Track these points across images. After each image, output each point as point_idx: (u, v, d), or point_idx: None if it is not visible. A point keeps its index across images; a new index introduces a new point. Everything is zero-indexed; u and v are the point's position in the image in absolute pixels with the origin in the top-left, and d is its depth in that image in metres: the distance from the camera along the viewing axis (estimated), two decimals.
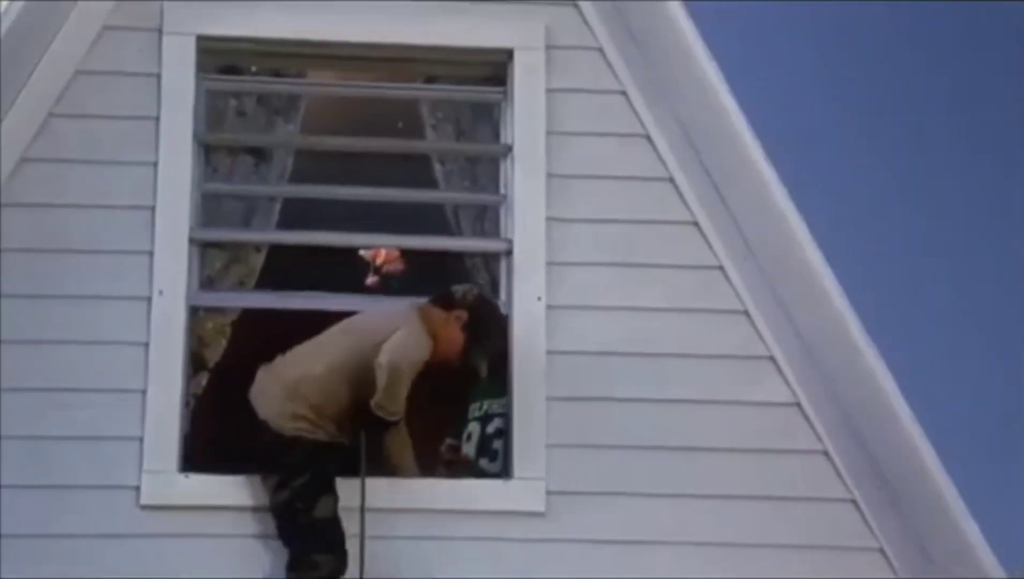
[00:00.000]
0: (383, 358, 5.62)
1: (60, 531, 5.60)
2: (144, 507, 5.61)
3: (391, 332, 5.64)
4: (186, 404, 5.90)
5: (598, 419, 5.78)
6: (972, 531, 5.54)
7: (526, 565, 5.61)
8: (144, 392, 5.69)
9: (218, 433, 6.22)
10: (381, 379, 5.59)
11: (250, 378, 6.07)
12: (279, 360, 5.82)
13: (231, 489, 5.64)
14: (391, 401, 5.60)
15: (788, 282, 5.80)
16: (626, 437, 5.75)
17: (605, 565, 5.64)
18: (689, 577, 5.56)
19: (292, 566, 5.49)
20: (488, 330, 5.76)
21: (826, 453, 5.72)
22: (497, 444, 5.98)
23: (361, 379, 5.61)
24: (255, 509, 5.59)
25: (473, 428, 6.09)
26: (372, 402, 5.61)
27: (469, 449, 6.05)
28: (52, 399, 5.69)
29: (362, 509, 5.42)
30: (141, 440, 5.65)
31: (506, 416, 5.87)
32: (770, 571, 5.60)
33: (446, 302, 5.82)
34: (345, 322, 5.89)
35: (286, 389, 5.64)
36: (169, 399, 5.72)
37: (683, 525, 5.64)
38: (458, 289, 5.87)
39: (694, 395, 5.77)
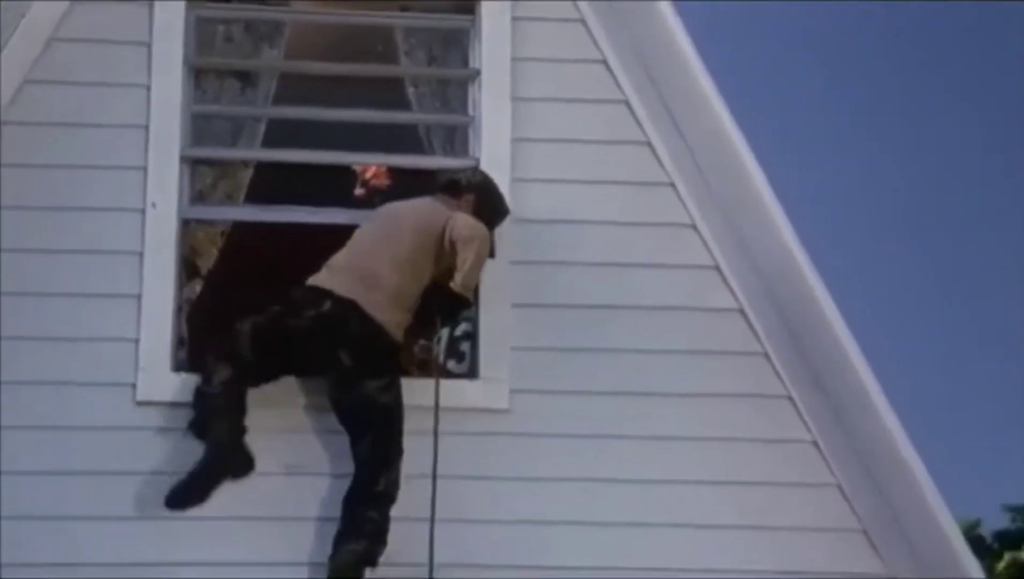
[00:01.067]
0: (466, 235, 5.67)
1: (60, 424, 5.78)
2: (139, 403, 5.79)
3: (447, 220, 5.72)
4: (179, 309, 6.08)
5: (558, 324, 5.99)
6: (889, 416, 5.85)
7: (490, 458, 5.84)
8: (139, 297, 5.86)
9: (211, 335, 6.47)
10: (467, 259, 5.64)
11: (241, 285, 6.24)
12: (359, 258, 5.77)
13: None
14: (473, 278, 5.68)
15: (733, 197, 6.01)
16: (584, 340, 5.97)
17: (564, 458, 5.86)
18: (638, 466, 5.82)
19: (387, 466, 5.56)
20: (495, 206, 5.87)
21: (766, 354, 5.97)
22: (464, 346, 6.18)
23: (435, 270, 5.71)
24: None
25: (443, 331, 6.21)
26: (456, 283, 5.64)
27: (438, 350, 6.21)
28: (53, 303, 5.88)
29: (436, 406, 5.65)
30: (137, 341, 5.83)
31: (473, 320, 6.07)
32: (715, 460, 5.87)
33: (454, 190, 5.91)
34: (399, 218, 5.89)
35: (389, 296, 5.67)
36: (163, 304, 5.89)
37: (634, 420, 5.87)
38: (461, 174, 5.99)
39: (646, 302, 5.99)
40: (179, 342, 6.04)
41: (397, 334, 5.66)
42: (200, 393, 5.58)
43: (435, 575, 5.49)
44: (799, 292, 5.91)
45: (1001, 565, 21.44)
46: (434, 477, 5.56)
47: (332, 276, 5.72)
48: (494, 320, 5.97)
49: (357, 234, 5.87)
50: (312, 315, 5.65)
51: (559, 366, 5.94)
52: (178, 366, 5.92)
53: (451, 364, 6.23)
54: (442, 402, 5.79)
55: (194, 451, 5.68)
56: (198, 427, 5.58)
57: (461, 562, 5.59)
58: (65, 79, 6.04)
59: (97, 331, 5.87)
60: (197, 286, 6.49)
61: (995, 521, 22.86)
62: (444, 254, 5.67)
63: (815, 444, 5.92)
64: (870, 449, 5.85)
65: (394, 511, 5.52)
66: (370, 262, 5.76)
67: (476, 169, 6.02)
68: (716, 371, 5.98)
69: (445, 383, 5.94)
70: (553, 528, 5.76)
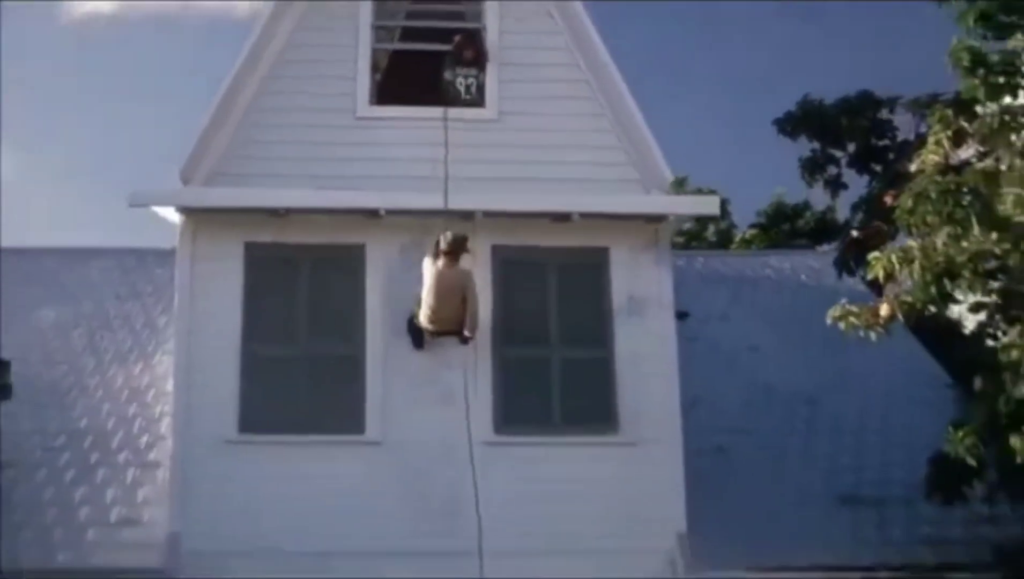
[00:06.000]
0: (475, 306, 11.32)
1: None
2: (358, 118, 12.30)
3: (464, 278, 11.27)
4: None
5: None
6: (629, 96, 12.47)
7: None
8: (354, 78, 12.39)
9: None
10: (475, 317, 11.32)
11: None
12: (434, 316, 11.32)
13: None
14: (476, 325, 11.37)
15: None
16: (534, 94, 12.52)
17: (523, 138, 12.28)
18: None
19: None
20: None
21: (587, 82, 12.43)
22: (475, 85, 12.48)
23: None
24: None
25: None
26: (468, 331, 11.37)
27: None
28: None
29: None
30: (355, 94, 12.37)
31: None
32: (552, 125, 12.37)
33: (454, 256, 11.34)
34: (446, 286, 11.24)
35: (453, 324, 11.44)
36: (364, 80, 12.40)
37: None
38: (454, 245, 11.36)
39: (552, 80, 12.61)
40: (374, 95, 12.52)
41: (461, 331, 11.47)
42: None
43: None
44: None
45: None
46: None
47: (427, 322, 11.43)
48: (491, 80, 12.40)
49: (428, 295, 11.30)
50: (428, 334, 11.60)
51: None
52: (372, 102, 12.43)
53: (468, 99, 12.32)
54: (460, 115, 12.19)
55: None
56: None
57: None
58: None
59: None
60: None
61: None
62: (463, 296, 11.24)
63: (598, 102, 12.44)
64: (619, 109, 12.32)
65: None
66: (440, 316, 11.36)
67: (462, 239, 11.41)
68: (564, 79, 12.45)
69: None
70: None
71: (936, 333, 17.17)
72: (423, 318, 11.31)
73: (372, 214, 12.07)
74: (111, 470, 12.50)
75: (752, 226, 24.85)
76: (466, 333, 11.24)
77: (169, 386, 12.98)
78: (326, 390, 12.00)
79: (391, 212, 12.05)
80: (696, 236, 23.45)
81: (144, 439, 12.97)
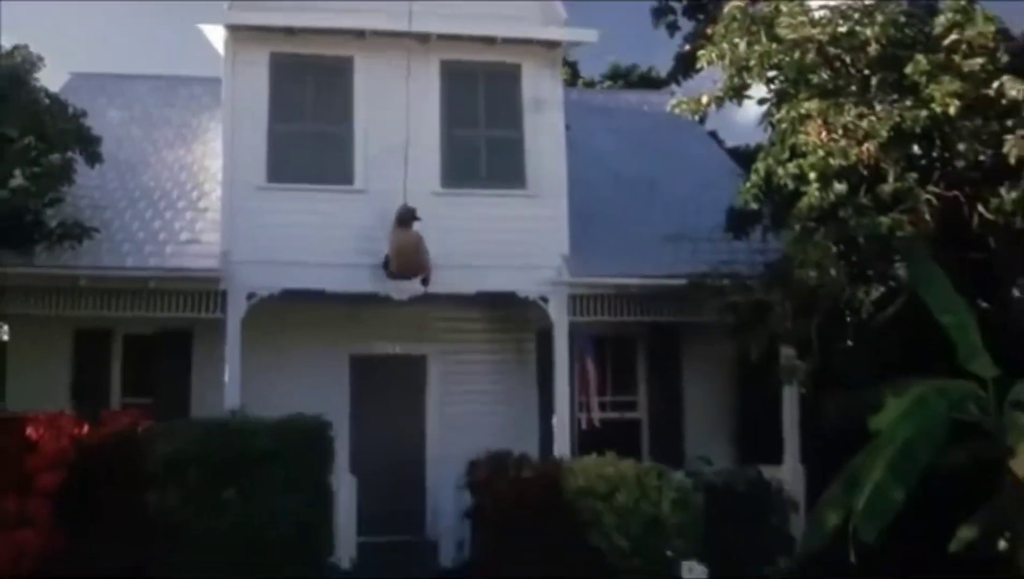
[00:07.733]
0: (426, 258, 15.65)
1: None
2: None
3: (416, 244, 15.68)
4: None
5: None
6: None
7: None
8: None
9: None
10: (427, 262, 15.60)
11: None
12: (398, 265, 15.63)
13: None
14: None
15: None
16: None
17: None
18: None
19: None
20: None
21: None
22: None
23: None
24: None
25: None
26: (423, 274, 15.66)
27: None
28: None
29: None
30: None
31: None
32: None
33: (409, 223, 15.62)
34: (405, 242, 15.46)
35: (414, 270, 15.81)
36: None
37: None
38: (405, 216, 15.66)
39: None
40: None
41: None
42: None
43: None
44: None
45: None
46: None
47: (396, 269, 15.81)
48: None
49: (393, 253, 15.64)
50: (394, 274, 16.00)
51: None
52: None
53: None
54: None
55: None
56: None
57: None
58: None
59: None
60: None
61: None
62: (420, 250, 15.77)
63: None
64: None
65: None
66: (402, 265, 15.63)
67: (411, 210, 15.62)
68: None
69: None
70: None
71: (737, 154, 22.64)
72: (392, 267, 15.67)
73: (359, 34, 16.67)
74: (175, 212, 17.12)
75: (601, 80, 31.23)
76: (423, 277, 15.75)
77: (207, 163, 17.61)
78: (327, 154, 16.73)
79: (373, 32, 16.66)
80: (570, 83, 28.82)
81: (195, 194, 17.61)
